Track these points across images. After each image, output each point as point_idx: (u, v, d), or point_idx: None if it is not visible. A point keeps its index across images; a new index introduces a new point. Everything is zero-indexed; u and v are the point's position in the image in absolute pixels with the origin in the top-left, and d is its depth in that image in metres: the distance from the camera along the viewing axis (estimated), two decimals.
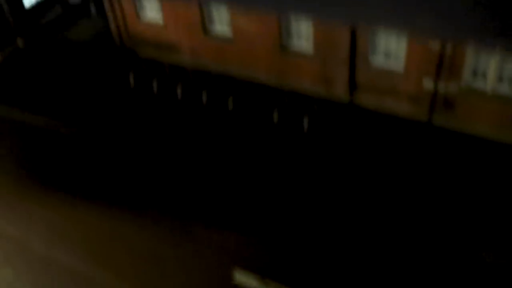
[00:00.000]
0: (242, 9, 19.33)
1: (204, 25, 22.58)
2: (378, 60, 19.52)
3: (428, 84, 18.65)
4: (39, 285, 16.34)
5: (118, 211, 18.37)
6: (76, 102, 22.87)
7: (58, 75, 24.79)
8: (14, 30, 26.92)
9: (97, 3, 28.24)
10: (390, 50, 19.11)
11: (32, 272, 16.75)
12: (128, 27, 24.82)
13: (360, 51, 19.38)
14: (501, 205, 16.53)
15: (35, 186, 19.60)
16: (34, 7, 28.09)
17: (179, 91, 22.47)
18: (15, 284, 16.46)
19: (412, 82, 18.99)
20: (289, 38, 21.11)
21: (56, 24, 28.52)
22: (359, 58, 19.56)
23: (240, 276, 16.10)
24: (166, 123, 21.28)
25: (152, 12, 24.00)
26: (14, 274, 16.72)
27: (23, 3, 27.36)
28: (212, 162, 19.59)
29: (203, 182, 19.01)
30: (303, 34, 20.72)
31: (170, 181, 19.23)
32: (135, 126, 21.24)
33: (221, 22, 22.30)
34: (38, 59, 26.12)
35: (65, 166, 20.19)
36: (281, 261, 16.43)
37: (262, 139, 20.16)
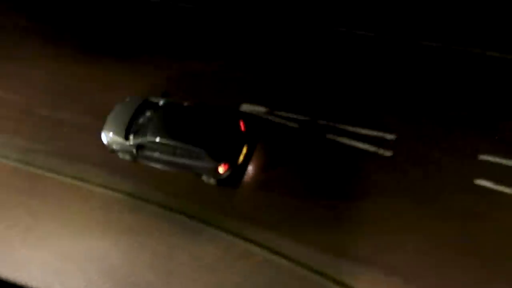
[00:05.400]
0: None
1: None
2: None
3: None
4: (51, 144, 19.02)
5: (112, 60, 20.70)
6: None
7: None
8: None
9: None
10: None
11: (42, 131, 19.28)
12: None
13: None
14: None
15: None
16: None
17: None
18: (27, 147, 19.09)
19: None
20: None
21: None
22: None
23: (246, 107, 18.96)
24: None
25: None
26: (24, 139, 19.27)
27: None
28: None
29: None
30: None
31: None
32: None
33: None
34: None
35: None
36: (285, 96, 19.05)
37: None
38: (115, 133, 17.75)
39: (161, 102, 18.06)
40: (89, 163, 18.33)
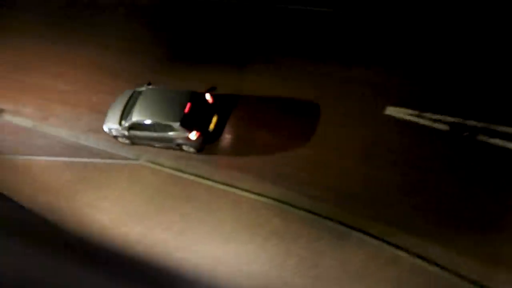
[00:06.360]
0: None
1: None
2: None
3: None
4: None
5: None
6: None
7: None
8: None
9: None
10: None
11: None
12: None
13: None
14: None
15: None
16: None
17: None
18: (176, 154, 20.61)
19: None
20: None
21: None
22: None
23: (391, 110, 18.56)
24: None
25: None
26: None
27: None
28: None
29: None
30: None
31: None
32: None
33: None
34: None
35: None
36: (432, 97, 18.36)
37: None
38: (112, 121, 21.16)
39: (144, 89, 21.20)
40: (235, 169, 19.09)
